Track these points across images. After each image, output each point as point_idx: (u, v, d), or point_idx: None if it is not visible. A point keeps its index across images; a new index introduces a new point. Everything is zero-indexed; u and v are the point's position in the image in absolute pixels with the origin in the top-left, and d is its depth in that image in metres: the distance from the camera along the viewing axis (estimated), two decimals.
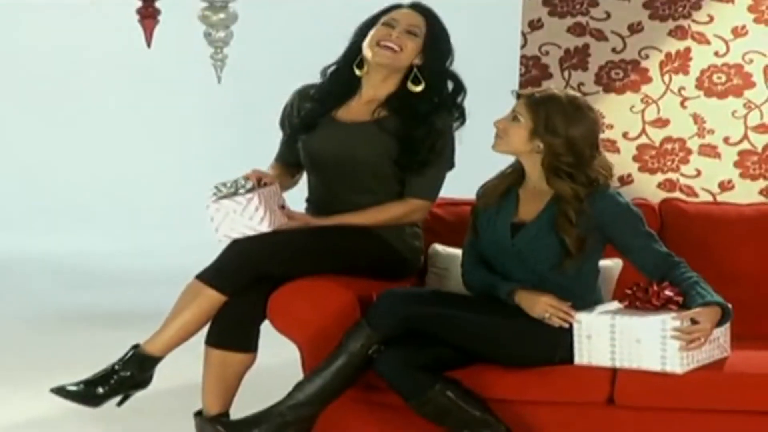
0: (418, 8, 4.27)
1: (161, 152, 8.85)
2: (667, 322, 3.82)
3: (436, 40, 4.21)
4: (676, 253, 4.04)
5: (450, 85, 4.28)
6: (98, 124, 8.87)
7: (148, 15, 6.11)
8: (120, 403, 4.05)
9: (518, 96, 4.06)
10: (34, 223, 8.54)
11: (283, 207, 4.16)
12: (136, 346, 4.06)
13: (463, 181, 4.34)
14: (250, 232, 4.06)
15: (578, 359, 3.91)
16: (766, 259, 4.49)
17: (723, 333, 3.94)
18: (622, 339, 3.86)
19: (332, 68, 4.31)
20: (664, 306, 3.88)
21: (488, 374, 3.96)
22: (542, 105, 3.99)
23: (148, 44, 6.16)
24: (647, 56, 5.13)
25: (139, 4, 6.15)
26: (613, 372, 3.92)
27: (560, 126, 3.97)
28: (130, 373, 4.00)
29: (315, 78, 4.38)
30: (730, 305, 3.89)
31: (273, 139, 4.50)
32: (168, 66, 8.35)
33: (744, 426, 3.91)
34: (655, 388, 3.88)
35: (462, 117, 4.26)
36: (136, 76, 8.69)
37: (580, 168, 3.97)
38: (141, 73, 8.57)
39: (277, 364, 4.49)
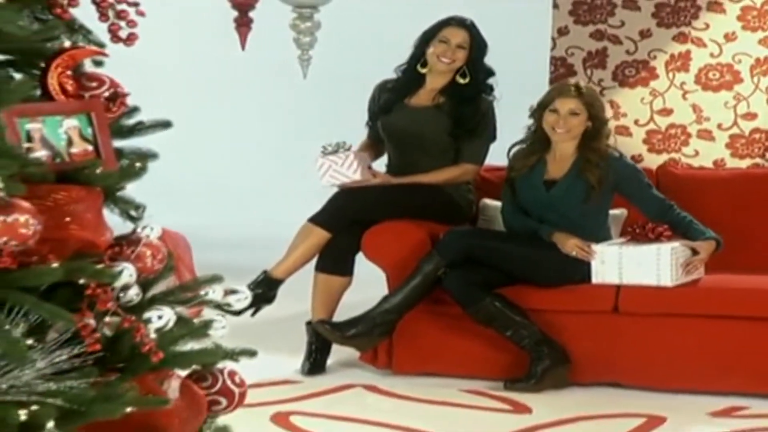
0: (463, 25, 4.90)
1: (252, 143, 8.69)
2: (661, 248, 4.42)
3: (477, 48, 4.93)
4: None
5: (486, 73, 4.95)
6: (203, 119, 8.57)
7: (243, 23, 6.40)
8: (253, 314, 4.60)
9: (572, 91, 4.58)
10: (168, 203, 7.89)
11: (369, 168, 4.85)
12: (264, 272, 4.70)
13: (504, 152, 4.87)
14: (347, 180, 4.72)
15: (594, 279, 4.52)
16: (735, 209, 4.99)
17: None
18: (628, 263, 4.45)
19: (403, 67, 5.02)
20: (657, 238, 4.51)
21: (526, 291, 4.55)
22: (591, 98, 4.65)
23: (243, 47, 6.47)
24: (655, 57, 5.48)
25: (236, 14, 6.43)
26: (618, 287, 4.51)
27: (600, 111, 4.68)
28: (261, 291, 4.64)
29: (383, 75, 5.09)
30: (722, 239, 4.50)
31: (353, 125, 5.12)
32: (259, 65, 8.13)
33: (715, 327, 4.48)
34: (649, 299, 4.47)
35: (493, 93, 4.90)
36: (239, 76, 8.51)
37: (602, 136, 4.67)
38: (240, 73, 8.39)
39: (361, 302, 4.74)
